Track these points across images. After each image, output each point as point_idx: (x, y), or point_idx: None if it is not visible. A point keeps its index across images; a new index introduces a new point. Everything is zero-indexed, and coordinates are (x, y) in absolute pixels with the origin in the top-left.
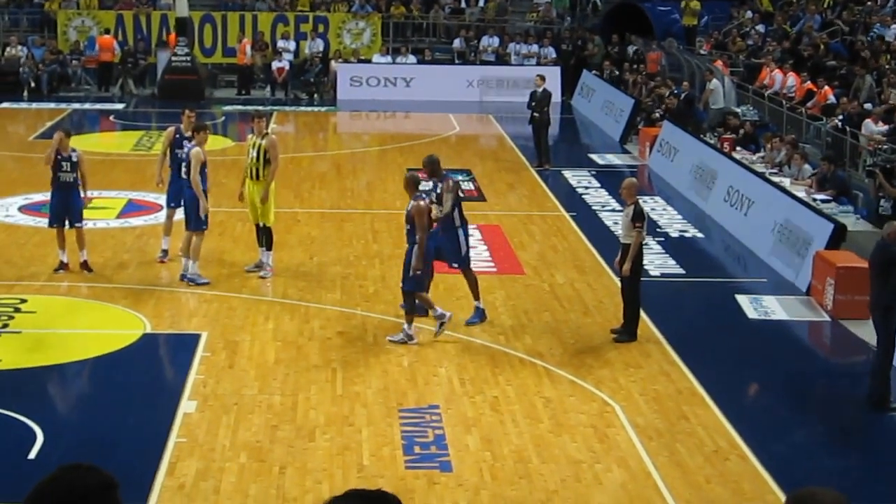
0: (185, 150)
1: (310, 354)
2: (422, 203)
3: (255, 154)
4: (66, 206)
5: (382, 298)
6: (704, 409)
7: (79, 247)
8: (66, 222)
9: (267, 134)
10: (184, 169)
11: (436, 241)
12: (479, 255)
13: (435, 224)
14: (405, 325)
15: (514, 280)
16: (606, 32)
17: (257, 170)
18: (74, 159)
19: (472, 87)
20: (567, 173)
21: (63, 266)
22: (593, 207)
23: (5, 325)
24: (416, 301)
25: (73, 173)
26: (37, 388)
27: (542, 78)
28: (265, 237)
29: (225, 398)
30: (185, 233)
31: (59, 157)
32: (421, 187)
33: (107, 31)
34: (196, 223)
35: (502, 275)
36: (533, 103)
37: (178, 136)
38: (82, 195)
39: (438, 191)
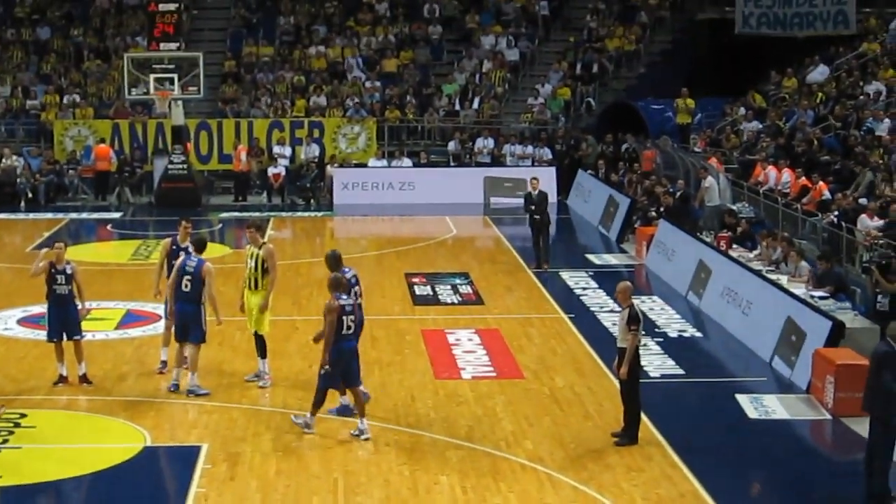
0: (185, 262)
1: (311, 464)
2: (332, 302)
3: (252, 264)
4: (63, 320)
5: (382, 406)
6: None
7: (77, 359)
8: (64, 335)
9: (264, 244)
10: (185, 283)
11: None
12: (479, 359)
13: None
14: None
15: (514, 384)
16: (601, 132)
17: (256, 279)
18: (69, 272)
19: (468, 189)
20: (564, 274)
21: (62, 379)
22: (591, 309)
23: (5, 441)
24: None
25: (68, 286)
26: None
27: (537, 179)
28: (260, 346)
29: None
30: (180, 345)
31: (53, 270)
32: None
33: (102, 141)
34: (198, 335)
35: (502, 379)
36: (532, 206)
37: (174, 247)
38: (80, 307)
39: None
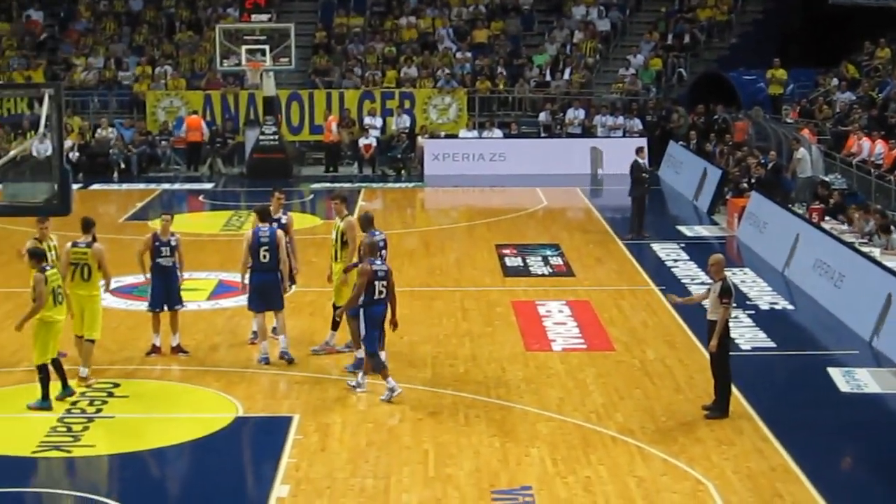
0: (258, 232)
1: (401, 436)
2: (365, 266)
3: (334, 235)
4: (167, 291)
5: (473, 377)
6: (799, 486)
7: (172, 330)
8: (165, 306)
9: (347, 216)
10: (263, 253)
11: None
12: (569, 331)
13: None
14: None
15: (605, 357)
16: (692, 103)
17: (336, 251)
18: (174, 244)
19: (559, 160)
20: (656, 246)
21: (155, 350)
22: (682, 280)
23: (99, 410)
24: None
25: (172, 257)
26: (130, 473)
27: (644, 149)
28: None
29: (318, 482)
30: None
31: (157, 242)
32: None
33: (194, 112)
34: (281, 302)
35: (593, 351)
36: (643, 174)
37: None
38: (179, 277)
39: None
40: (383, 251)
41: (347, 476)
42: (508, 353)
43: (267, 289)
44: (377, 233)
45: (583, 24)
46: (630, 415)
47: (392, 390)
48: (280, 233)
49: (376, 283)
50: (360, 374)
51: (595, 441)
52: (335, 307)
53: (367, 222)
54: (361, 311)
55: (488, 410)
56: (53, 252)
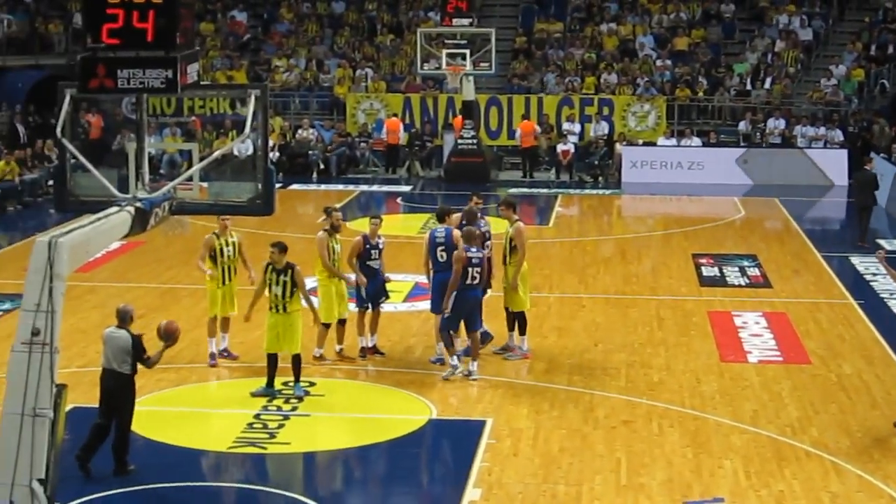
0: (434, 233)
1: (594, 443)
2: (460, 253)
3: (505, 240)
4: (375, 291)
5: (668, 387)
6: None
7: (372, 331)
8: (370, 305)
9: (516, 221)
10: (440, 253)
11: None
12: (765, 343)
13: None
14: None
15: (801, 370)
16: (894, 115)
17: (505, 256)
18: (381, 246)
19: (760, 170)
20: (854, 259)
21: (363, 351)
22: (881, 295)
23: (294, 408)
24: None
25: (380, 260)
26: (324, 471)
27: (872, 159)
28: (517, 322)
29: (510, 487)
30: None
31: (367, 245)
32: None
33: (394, 114)
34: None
35: (789, 364)
36: (871, 183)
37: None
38: (384, 279)
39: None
40: (487, 241)
41: (539, 482)
42: (703, 363)
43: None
44: (483, 223)
45: (784, 33)
46: (825, 429)
47: (454, 367)
48: (457, 233)
49: (470, 269)
50: (472, 363)
51: (789, 455)
52: (507, 310)
53: (472, 216)
54: (454, 293)
55: (682, 420)
56: (232, 248)
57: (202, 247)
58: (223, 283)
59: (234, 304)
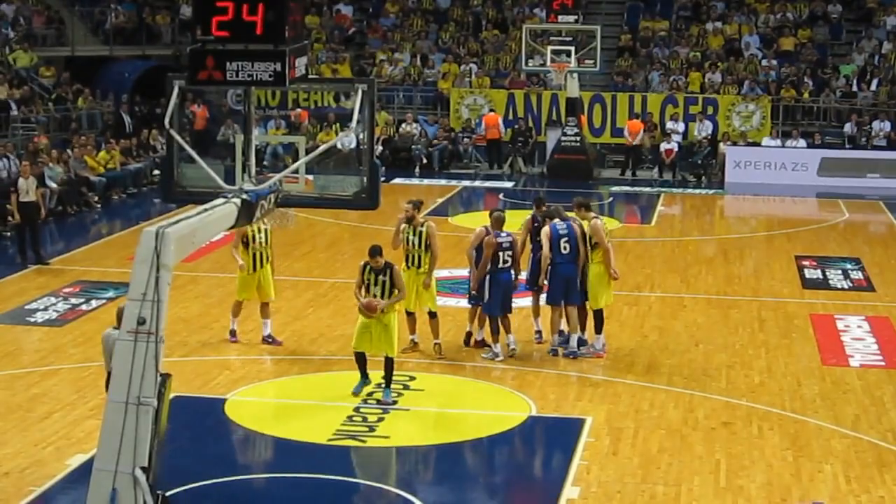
0: (555, 227)
1: (694, 444)
2: (490, 238)
3: (584, 238)
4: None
5: (768, 389)
6: None
7: (480, 324)
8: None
9: (593, 218)
10: (563, 245)
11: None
12: (868, 347)
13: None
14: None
15: None
16: None
17: (586, 255)
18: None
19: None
20: None
21: (475, 342)
22: None
23: (394, 402)
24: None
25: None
26: (422, 466)
27: None
28: (595, 319)
29: (608, 486)
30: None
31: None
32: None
33: (492, 110)
34: (579, 296)
35: (891, 369)
36: None
37: (535, 223)
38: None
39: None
40: (509, 251)
41: (638, 482)
42: (804, 366)
43: (571, 281)
44: (502, 234)
45: (892, 35)
46: None
47: (496, 355)
48: (576, 225)
49: (500, 253)
50: (509, 335)
51: (890, 461)
52: (593, 311)
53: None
54: (488, 277)
55: (782, 423)
56: (264, 235)
57: (235, 233)
58: (253, 269)
59: (271, 289)
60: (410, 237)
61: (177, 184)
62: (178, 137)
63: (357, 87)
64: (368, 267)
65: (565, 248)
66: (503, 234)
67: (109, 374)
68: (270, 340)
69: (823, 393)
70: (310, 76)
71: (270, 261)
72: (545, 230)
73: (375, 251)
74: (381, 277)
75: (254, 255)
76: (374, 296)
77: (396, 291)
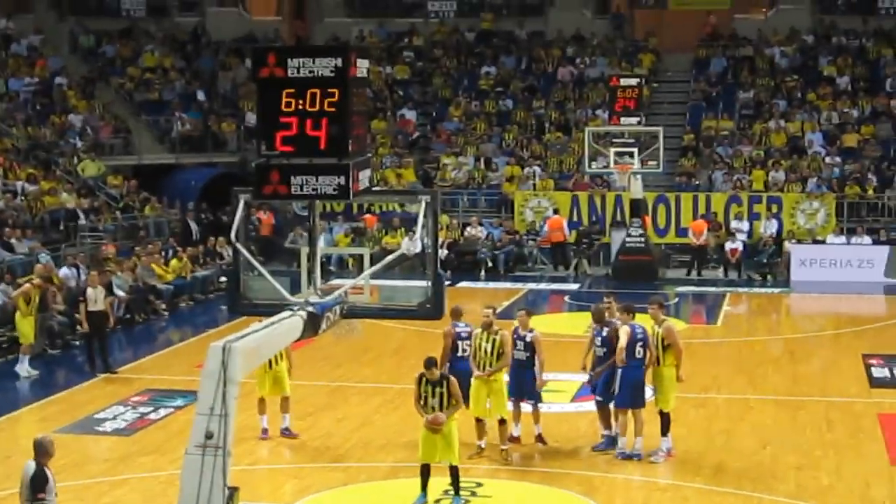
0: (635, 329)
1: None
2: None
3: (656, 341)
4: (519, 384)
5: (837, 492)
6: None
7: (535, 420)
8: (523, 398)
9: (664, 321)
10: (638, 350)
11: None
12: None
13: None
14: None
15: None
16: None
17: (658, 357)
18: (528, 339)
19: None
20: None
21: (514, 440)
22: None
23: None
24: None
25: (525, 352)
26: None
27: None
28: (661, 421)
29: None
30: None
31: (515, 335)
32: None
33: (555, 211)
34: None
35: None
36: None
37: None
38: (537, 377)
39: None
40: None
41: None
42: (873, 466)
43: (639, 385)
44: (460, 325)
45: None
46: None
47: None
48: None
49: (459, 342)
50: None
51: None
52: (661, 413)
53: (600, 314)
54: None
55: None
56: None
57: None
58: (269, 367)
59: (286, 385)
60: (483, 344)
61: (243, 296)
62: (244, 251)
63: (421, 199)
64: (424, 379)
65: (639, 353)
66: (461, 325)
67: None
68: (288, 434)
69: (893, 494)
70: (374, 187)
71: (286, 357)
72: (625, 330)
73: (431, 363)
74: (437, 389)
75: None
76: (433, 408)
77: (454, 402)
